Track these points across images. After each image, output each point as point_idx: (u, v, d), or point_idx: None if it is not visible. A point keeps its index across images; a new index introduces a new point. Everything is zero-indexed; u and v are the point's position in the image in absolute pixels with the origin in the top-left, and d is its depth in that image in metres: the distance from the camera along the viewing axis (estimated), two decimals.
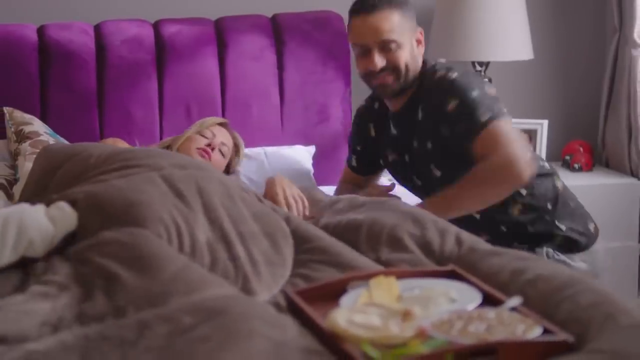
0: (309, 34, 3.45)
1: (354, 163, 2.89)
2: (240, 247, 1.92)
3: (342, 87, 3.49)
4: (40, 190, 2.27)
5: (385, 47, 2.55)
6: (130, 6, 3.53)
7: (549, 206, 2.60)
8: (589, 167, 3.63)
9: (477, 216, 2.57)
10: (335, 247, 1.99)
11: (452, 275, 1.77)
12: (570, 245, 2.60)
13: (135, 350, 1.27)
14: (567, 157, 3.60)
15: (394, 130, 2.74)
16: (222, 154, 3.01)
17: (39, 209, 1.90)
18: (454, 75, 2.54)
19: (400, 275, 1.76)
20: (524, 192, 2.56)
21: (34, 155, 2.87)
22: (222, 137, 3.05)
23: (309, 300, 1.65)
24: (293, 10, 3.53)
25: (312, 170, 3.30)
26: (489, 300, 1.62)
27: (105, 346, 1.28)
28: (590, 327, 1.46)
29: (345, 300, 1.68)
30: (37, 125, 3.06)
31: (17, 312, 1.50)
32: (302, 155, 3.37)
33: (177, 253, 1.78)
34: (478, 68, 3.45)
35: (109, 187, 2.03)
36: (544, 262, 1.88)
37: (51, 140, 3.04)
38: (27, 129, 3.02)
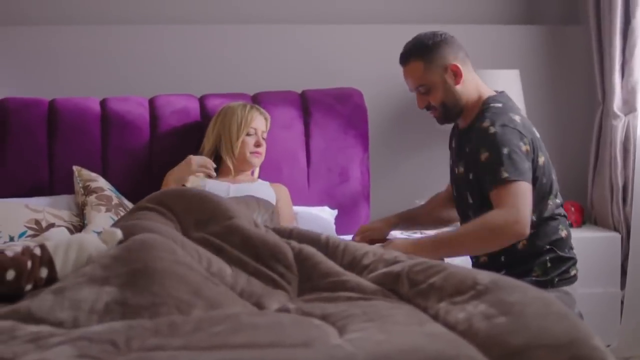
0: (333, 107, 3.65)
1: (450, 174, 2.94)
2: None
3: (360, 152, 3.65)
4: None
5: (420, 91, 2.74)
6: (179, 83, 3.78)
7: (548, 246, 2.69)
8: (578, 224, 3.81)
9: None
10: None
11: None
12: (545, 281, 2.68)
13: (167, 336, 1.55)
14: None
15: (454, 144, 2.89)
16: (264, 140, 3.28)
17: (95, 236, 2.06)
18: (494, 129, 2.58)
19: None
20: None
21: (100, 206, 3.09)
22: (260, 124, 3.27)
23: None
24: (319, 87, 3.75)
25: (334, 227, 3.45)
26: None
27: (145, 332, 1.56)
28: None
29: None
30: (101, 182, 3.28)
31: (71, 300, 1.68)
32: (327, 214, 3.53)
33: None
34: None
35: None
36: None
37: (114, 196, 3.20)
38: (93, 184, 3.24)
